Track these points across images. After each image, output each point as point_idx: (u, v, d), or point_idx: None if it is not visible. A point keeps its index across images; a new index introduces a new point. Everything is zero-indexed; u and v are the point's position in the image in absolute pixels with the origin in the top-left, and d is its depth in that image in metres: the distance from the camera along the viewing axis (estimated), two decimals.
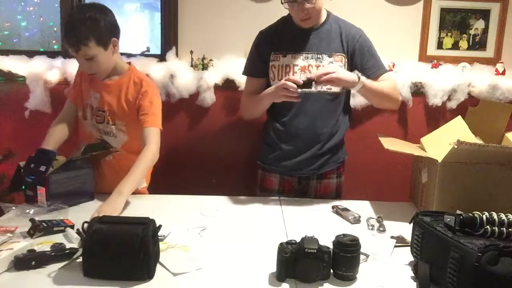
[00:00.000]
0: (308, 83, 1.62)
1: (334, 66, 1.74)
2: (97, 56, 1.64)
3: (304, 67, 1.79)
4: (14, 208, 1.52)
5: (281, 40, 1.83)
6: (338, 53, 1.79)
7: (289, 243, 1.13)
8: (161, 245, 1.23)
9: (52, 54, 2.36)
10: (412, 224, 1.23)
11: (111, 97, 1.75)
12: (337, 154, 1.90)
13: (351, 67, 1.80)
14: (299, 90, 1.62)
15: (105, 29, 1.64)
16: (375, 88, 1.75)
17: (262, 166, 1.95)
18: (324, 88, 1.78)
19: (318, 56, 1.79)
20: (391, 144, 1.66)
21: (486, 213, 1.08)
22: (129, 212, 1.56)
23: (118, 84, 1.76)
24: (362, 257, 1.18)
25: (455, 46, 2.44)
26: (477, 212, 1.08)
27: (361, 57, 1.79)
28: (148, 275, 1.11)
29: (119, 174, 1.66)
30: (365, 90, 1.72)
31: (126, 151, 1.77)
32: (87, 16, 1.61)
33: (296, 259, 1.10)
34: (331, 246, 1.14)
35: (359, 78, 1.68)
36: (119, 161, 1.79)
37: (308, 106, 1.80)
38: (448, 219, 1.10)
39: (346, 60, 1.79)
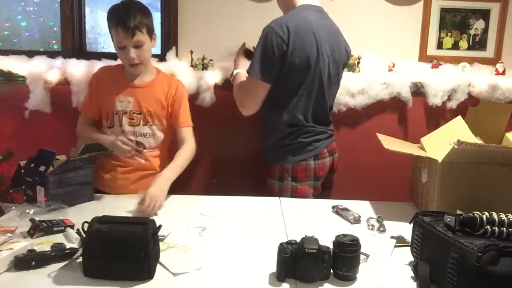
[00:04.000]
0: None
1: None
2: (145, 44, 1.75)
3: None
4: (14, 208, 1.52)
5: None
6: None
7: (289, 243, 1.13)
8: (161, 245, 1.23)
9: (52, 54, 2.35)
10: (412, 224, 1.23)
11: (148, 98, 1.81)
12: (269, 154, 1.90)
13: None
14: None
15: (152, 21, 1.79)
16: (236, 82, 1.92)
17: None
18: None
19: None
20: (391, 144, 1.66)
21: (486, 213, 1.08)
22: (129, 212, 1.56)
23: (153, 84, 1.84)
24: (362, 257, 1.18)
25: (455, 46, 2.44)
26: (477, 212, 1.08)
27: None
28: (148, 275, 1.11)
29: (146, 176, 1.80)
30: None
31: (160, 150, 1.86)
32: (140, 6, 1.76)
33: (296, 259, 1.10)
34: (331, 246, 1.14)
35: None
36: (148, 161, 1.83)
37: None
38: (448, 219, 1.10)
39: None
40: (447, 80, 2.29)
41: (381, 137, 1.71)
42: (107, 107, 1.82)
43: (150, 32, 1.77)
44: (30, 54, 2.31)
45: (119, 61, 1.90)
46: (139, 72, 1.82)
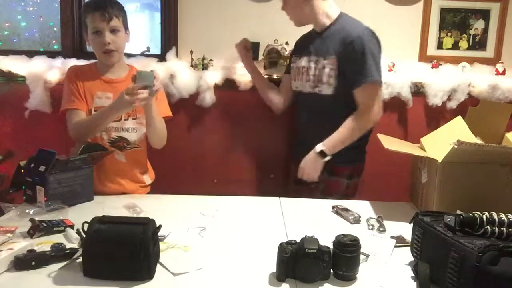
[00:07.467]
0: None
1: (301, 167, 1.90)
2: (120, 32, 1.77)
3: (308, 69, 1.91)
4: (14, 208, 1.52)
5: (302, 45, 2.02)
6: (331, 56, 1.84)
7: (289, 243, 1.13)
8: (161, 245, 1.23)
9: (52, 54, 2.36)
10: (412, 224, 1.23)
11: None
12: (343, 155, 1.87)
13: (342, 70, 1.82)
14: None
15: (126, 16, 1.83)
16: (340, 141, 1.85)
17: None
18: (316, 90, 1.88)
19: (317, 58, 1.88)
20: (391, 144, 1.66)
21: (486, 213, 1.08)
22: (129, 212, 1.56)
23: (129, 78, 1.81)
24: (362, 257, 1.18)
25: (455, 46, 2.45)
26: (477, 212, 1.08)
27: (348, 65, 1.81)
28: (148, 275, 1.11)
29: (131, 172, 1.82)
30: (333, 147, 1.85)
31: (143, 146, 1.88)
32: (116, 1, 1.80)
33: (296, 259, 1.10)
34: (331, 246, 1.14)
35: (320, 154, 1.84)
36: (132, 157, 1.85)
37: (307, 104, 1.96)
38: (448, 219, 1.10)
39: (336, 63, 1.82)
40: (447, 80, 2.29)
41: (381, 137, 1.71)
42: (87, 103, 1.79)
43: (125, 25, 1.81)
44: (30, 54, 2.32)
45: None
46: (113, 62, 1.81)
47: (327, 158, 1.84)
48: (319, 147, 1.84)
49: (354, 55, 1.78)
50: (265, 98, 2.15)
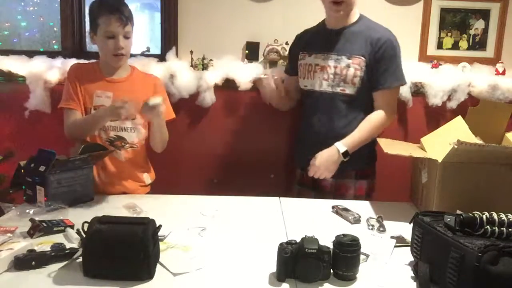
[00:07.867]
0: None
1: (314, 165, 1.81)
2: (131, 37, 1.80)
3: (324, 67, 1.85)
4: (14, 208, 1.52)
5: (311, 41, 1.94)
6: (357, 56, 1.81)
7: (289, 243, 1.13)
8: (161, 245, 1.23)
9: (52, 54, 2.35)
10: (412, 224, 1.23)
11: (128, 92, 1.79)
12: (353, 159, 1.83)
13: (369, 71, 1.81)
14: None
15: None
16: (361, 141, 1.83)
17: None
18: (338, 89, 1.83)
19: (338, 57, 1.83)
20: (391, 147, 1.66)
21: (486, 213, 1.08)
22: (129, 212, 1.56)
23: (130, 79, 1.83)
24: (362, 257, 1.18)
25: (455, 46, 2.44)
26: (477, 212, 1.08)
27: (378, 66, 1.81)
28: (148, 275, 1.11)
29: (131, 171, 1.82)
30: (354, 148, 1.82)
31: (141, 146, 1.87)
32: (125, 4, 1.81)
33: (296, 259, 1.10)
34: (331, 246, 1.14)
35: (339, 152, 1.79)
36: (131, 156, 1.85)
37: (321, 105, 1.88)
38: (448, 219, 1.10)
39: (364, 63, 1.81)
40: (447, 80, 2.29)
41: (381, 141, 1.72)
42: (85, 103, 1.80)
43: (133, 29, 1.81)
44: (30, 54, 2.32)
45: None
46: (120, 65, 1.82)
47: (347, 158, 1.81)
48: (341, 147, 1.79)
49: (386, 57, 1.80)
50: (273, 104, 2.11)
